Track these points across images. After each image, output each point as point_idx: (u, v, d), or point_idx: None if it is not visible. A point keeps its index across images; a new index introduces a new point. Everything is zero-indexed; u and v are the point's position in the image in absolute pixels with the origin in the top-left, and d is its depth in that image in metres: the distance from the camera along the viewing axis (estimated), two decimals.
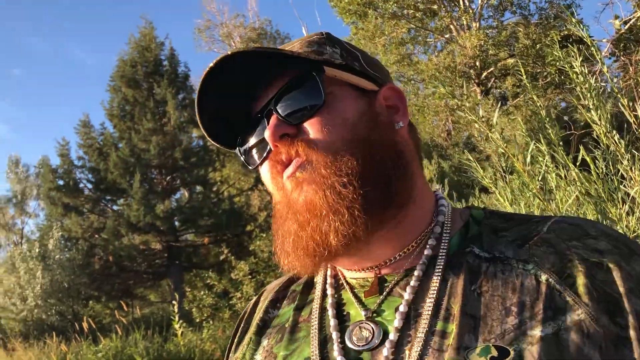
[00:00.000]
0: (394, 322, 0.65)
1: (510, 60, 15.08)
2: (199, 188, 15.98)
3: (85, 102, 53.82)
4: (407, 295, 0.67)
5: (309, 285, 0.82)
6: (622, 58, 11.51)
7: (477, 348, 0.59)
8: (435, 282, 0.66)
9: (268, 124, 0.70)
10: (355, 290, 0.73)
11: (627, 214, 2.31)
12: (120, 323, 9.55)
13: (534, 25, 15.01)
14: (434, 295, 0.65)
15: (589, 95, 2.63)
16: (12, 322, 11.40)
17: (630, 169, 2.36)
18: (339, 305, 0.74)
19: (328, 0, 16.05)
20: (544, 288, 0.61)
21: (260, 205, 18.53)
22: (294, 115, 0.69)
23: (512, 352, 0.57)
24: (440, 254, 0.69)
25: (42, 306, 11.49)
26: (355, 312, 0.71)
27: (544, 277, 0.62)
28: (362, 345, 0.66)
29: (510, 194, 2.80)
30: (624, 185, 2.40)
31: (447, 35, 15.99)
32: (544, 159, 3.04)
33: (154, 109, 14.16)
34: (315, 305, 0.76)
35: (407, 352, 0.62)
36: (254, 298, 0.91)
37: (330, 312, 0.73)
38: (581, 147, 2.60)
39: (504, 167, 2.85)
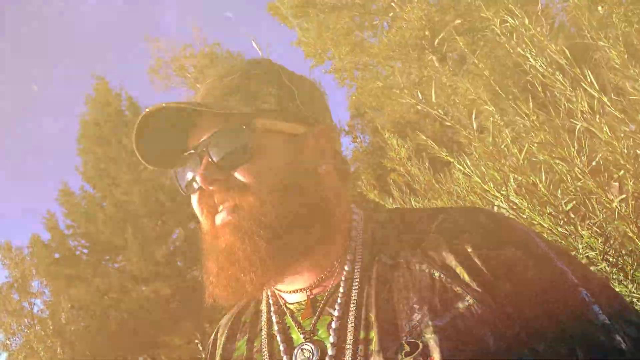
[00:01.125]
0: (330, 339, 0.75)
1: (458, 21, 15.24)
2: (192, 224, 16.02)
3: (60, 171, 53.50)
4: (335, 312, 0.77)
5: (257, 313, 0.92)
6: None
7: (394, 347, 0.68)
8: (354, 296, 0.76)
9: (200, 164, 0.79)
10: (295, 314, 0.83)
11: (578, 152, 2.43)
12: None
13: None
14: (354, 309, 0.75)
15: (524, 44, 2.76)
16: None
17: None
18: (284, 330, 0.84)
19: (267, 10, 16.17)
20: (438, 284, 0.71)
21: None
22: (225, 162, 0.77)
23: (420, 345, 0.67)
24: (356, 268, 0.79)
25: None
26: (296, 336, 0.81)
27: (436, 274, 0.72)
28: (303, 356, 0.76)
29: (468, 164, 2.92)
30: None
31: (391, 14, 16.13)
32: (495, 116, 3.18)
33: (127, 160, 14.20)
34: (264, 334, 0.85)
35: None
36: (212, 336, 1.01)
37: (278, 337, 0.83)
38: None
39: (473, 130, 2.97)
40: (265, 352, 0.82)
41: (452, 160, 2.99)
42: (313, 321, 0.80)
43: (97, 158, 14.48)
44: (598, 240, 2.44)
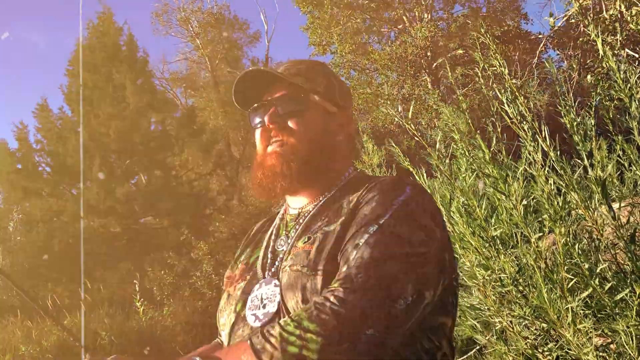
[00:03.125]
0: (295, 235, 1.21)
1: (460, 51, 15.81)
2: (158, 172, 16.20)
3: (41, 85, 52.28)
4: (302, 222, 1.22)
5: (272, 219, 1.37)
6: (557, 52, 12.39)
7: (304, 238, 1.14)
8: (314, 214, 1.21)
9: (269, 111, 1.23)
10: (288, 220, 1.29)
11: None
12: (78, 304, 9.88)
13: (482, 17, 15.76)
14: (306, 221, 1.20)
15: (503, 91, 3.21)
16: None
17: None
18: (280, 227, 1.29)
19: None
20: (341, 210, 1.16)
21: (219, 189, 18.89)
22: (285, 113, 1.23)
23: (313, 238, 1.12)
24: (323, 199, 1.25)
25: (3, 287, 11.65)
26: (284, 232, 1.26)
27: (345, 205, 1.17)
28: (281, 248, 1.21)
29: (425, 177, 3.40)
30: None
31: (400, 26, 16.62)
32: (461, 146, 3.64)
33: (112, 94, 14.31)
34: (272, 229, 1.31)
35: (293, 247, 1.17)
36: (254, 228, 1.44)
37: (274, 232, 1.28)
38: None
39: (444, 153, 3.42)
40: (266, 236, 1.28)
41: (412, 170, 3.46)
42: (294, 225, 1.24)
43: (83, 84, 14.53)
44: (512, 267, 2.96)
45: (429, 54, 14.95)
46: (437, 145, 3.24)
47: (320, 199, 1.22)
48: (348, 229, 1.08)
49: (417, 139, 3.30)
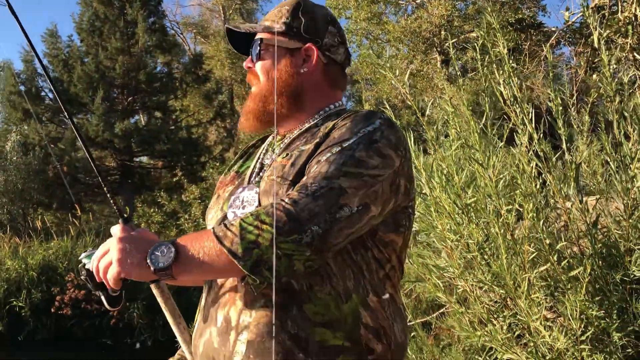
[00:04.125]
0: (278, 152, 1.37)
1: (473, 34, 15.78)
2: (158, 114, 16.30)
3: (52, 10, 51.51)
4: (283, 143, 1.39)
5: (265, 139, 1.53)
6: (569, 48, 12.42)
7: (284, 154, 1.30)
8: (296, 136, 1.37)
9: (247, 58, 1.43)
10: (275, 143, 1.45)
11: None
12: (69, 229, 10.13)
13: (500, 3, 15.69)
14: (289, 142, 1.36)
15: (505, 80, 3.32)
16: None
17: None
18: (270, 144, 1.46)
19: None
20: (317, 133, 1.29)
21: (217, 139, 19.01)
22: (255, 61, 1.40)
23: (292, 155, 1.28)
24: (306, 126, 1.40)
25: None
26: (271, 149, 1.42)
27: (322, 130, 1.31)
28: (266, 162, 1.38)
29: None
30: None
31: (418, 0, 16.53)
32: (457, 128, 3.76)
33: (123, 29, 14.28)
34: (264, 145, 1.48)
35: (274, 162, 1.34)
36: (249, 143, 1.62)
37: (265, 148, 1.45)
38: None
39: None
40: (258, 152, 1.45)
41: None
42: (278, 145, 1.41)
43: (96, 15, 14.48)
44: (480, 235, 3.16)
45: (442, 32, 14.93)
46: (437, 125, 3.39)
47: (306, 125, 1.38)
48: (319, 149, 1.25)
49: (419, 117, 3.43)
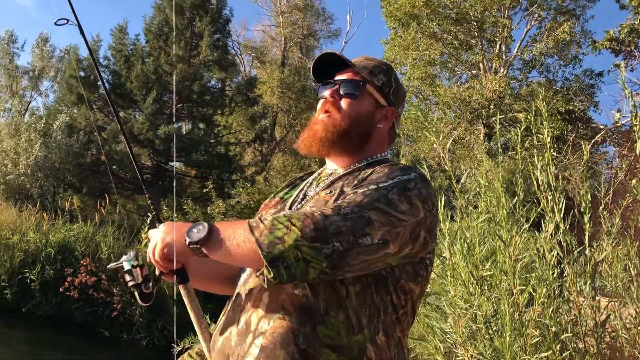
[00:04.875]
0: (321, 187, 1.51)
1: (521, 115, 15.91)
2: (202, 125, 16.73)
3: (127, 7, 53.50)
4: (331, 179, 1.53)
5: (311, 173, 1.68)
6: (614, 149, 12.42)
7: (328, 190, 1.44)
8: (341, 176, 1.51)
9: (332, 88, 1.52)
10: (322, 176, 1.58)
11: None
12: (93, 215, 10.40)
13: (554, 91, 15.83)
14: (333, 180, 1.50)
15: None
16: None
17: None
18: (315, 179, 1.59)
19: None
20: (359, 177, 1.41)
21: (251, 161, 19.35)
22: (343, 94, 1.51)
23: (334, 192, 1.41)
24: (349, 169, 1.55)
25: (30, 176, 12.24)
26: (315, 183, 1.56)
27: (363, 174, 1.43)
28: (309, 194, 1.53)
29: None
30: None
31: (474, 71, 16.81)
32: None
33: (188, 39, 14.86)
34: (309, 179, 1.62)
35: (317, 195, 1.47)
36: (295, 175, 1.77)
37: (309, 182, 1.59)
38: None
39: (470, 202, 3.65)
40: (302, 184, 1.59)
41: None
42: (323, 180, 1.55)
43: (166, 21, 15.13)
44: (490, 309, 3.23)
45: (491, 106, 15.11)
46: (469, 195, 3.51)
47: (351, 167, 1.53)
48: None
49: (453, 182, 3.55)
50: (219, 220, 10.73)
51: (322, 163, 1.72)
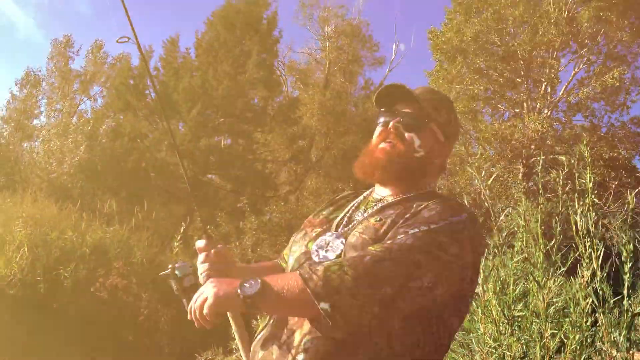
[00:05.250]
0: (370, 213, 1.54)
1: (563, 158, 15.63)
2: (241, 140, 16.99)
3: (176, 22, 54.99)
4: (381, 206, 1.56)
5: (357, 195, 1.71)
6: None
7: (379, 217, 1.47)
8: (391, 204, 1.54)
9: (395, 117, 1.55)
10: (370, 201, 1.62)
11: None
12: (130, 220, 10.62)
13: (599, 136, 15.54)
14: (383, 207, 1.52)
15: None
16: (41, 177, 12.54)
17: None
18: (361, 203, 1.62)
19: (427, 31, 16.91)
20: (410, 210, 1.44)
21: (286, 180, 19.50)
22: (406, 125, 1.54)
23: (385, 221, 1.44)
24: (402, 197, 1.58)
25: (73, 176, 12.61)
26: (363, 207, 1.60)
27: (414, 207, 1.45)
28: (356, 218, 1.56)
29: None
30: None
31: (517, 110, 16.67)
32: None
33: (236, 57, 15.20)
34: (355, 201, 1.65)
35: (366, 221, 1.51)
36: (338, 194, 1.81)
37: (356, 205, 1.62)
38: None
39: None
40: (349, 205, 1.63)
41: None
42: (371, 206, 1.57)
43: (217, 37, 15.56)
44: (519, 350, 3.19)
45: (532, 146, 14.92)
46: (505, 233, 3.49)
47: (401, 196, 1.56)
48: (407, 222, 1.41)
49: (490, 220, 3.54)
50: (251, 235, 10.83)
51: (355, 187, 1.75)
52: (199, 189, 14.93)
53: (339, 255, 1.43)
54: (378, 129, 1.61)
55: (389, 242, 1.32)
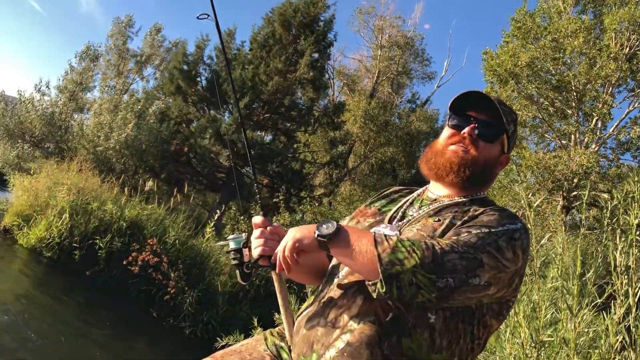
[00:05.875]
0: (427, 211, 1.59)
1: (605, 196, 15.32)
2: (283, 138, 17.17)
3: (234, 15, 55.91)
4: (437, 206, 1.60)
5: (411, 192, 1.77)
6: None
7: (437, 217, 1.52)
8: (448, 205, 1.60)
9: (470, 124, 1.59)
10: (424, 199, 1.68)
11: None
12: (167, 201, 10.88)
13: None
14: (440, 207, 1.57)
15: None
16: (88, 149, 12.93)
17: None
18: (416, 200, 1.68)
19: (482, 52, 16.80)
20: (468, 214, 1.48)
21: (322, 182, 19.60)
22: (480, 133, 1.58)
23: (443, 222, 1.48)
24: (455, 200, 1.63)
25: (118, 152, 12.96)
26: (417, 205, 1.65)
27: (472, 211, 1.50)
28: (410, 214, 1.62)
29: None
30: None
31: (564, 141, 16.39)
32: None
33: (289, 55, 15.39)
34: (409, 197, 1.70)
35: (424, 219, 1.56)
36: (390, 188, 1.87)
37: (410, 201, 1.68)
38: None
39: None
40: (403, 200, 1.69)
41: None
42: (427, 204, 1.63)
43: (272, 33, 15.77)
44: None
45: (575, 180, 14.65)
46: (542, 260, 3.49)
47: (456, 199, 1.60)
48: (466, 225, 1.45)
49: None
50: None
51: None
52: (233, 178, 15.14)
53: None
54: (448, 131, 1.65)
55: (454, 237, 1.37)
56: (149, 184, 11.14)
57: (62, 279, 8.32)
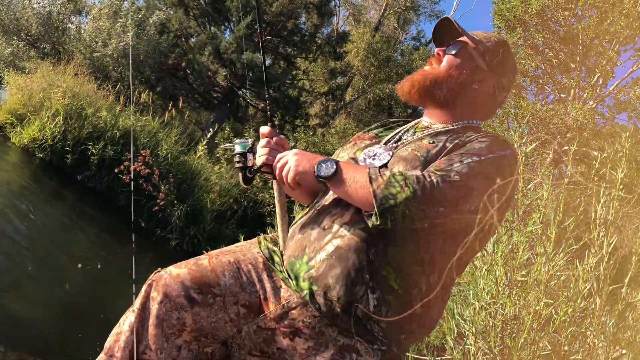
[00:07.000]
0: (422, 135, 1.66)
1: (596, 153, 15.38)
2: (283, 63, 16.92)
3: None
4: (432, 131, 1.66)
5: (407, 122, 1.84)
6: None
7: (432, 140, 1.59)
8: (441, 131, 1.65)
9: (441, 46, 1.69)
10: (419, 127, 1.74)
11: None
12: (162, 115, 10.84)
13: (637, 141, 15.23)
14: (435, 132, 1.63)
15: None
16: (84, 54, 12.68)
17: None
18: (411, 128, 1.74)
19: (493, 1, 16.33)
20: (460, 138, 1.55)
21: (317, 113, 19.53)
22: (448, 52, 1.67)
23: (437, 144, 1.55)
24: (445, 126, 1.68)
25: (115, 59, 12.74)
26: (412, 131, 1.72)
27: (464, 137, 1.56)
28: (405, 138, 1.68)
29: None
30: None
31: (563, 95, 16.31)
32: None
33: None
34: (405, 126, 1.76)
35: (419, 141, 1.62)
36: (390, 119, 1.94)
37: (406, 128, 1.74)
38: None
39: None
40: (400, 127, 1.76)
41: None
42: (420, 130, 1.70)
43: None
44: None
45: (568, 135, 14.68)
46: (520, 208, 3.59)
47: (449, 126, 1.66)
48: (458, 149, 1.53)
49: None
50: None
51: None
52: (231, 100, 15.04)
53: (384, 165, 1.56)
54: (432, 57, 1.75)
55: (445, 166, 1.44)
56: (145, 95, 11.01)
57: (53, 182, 8.39)
